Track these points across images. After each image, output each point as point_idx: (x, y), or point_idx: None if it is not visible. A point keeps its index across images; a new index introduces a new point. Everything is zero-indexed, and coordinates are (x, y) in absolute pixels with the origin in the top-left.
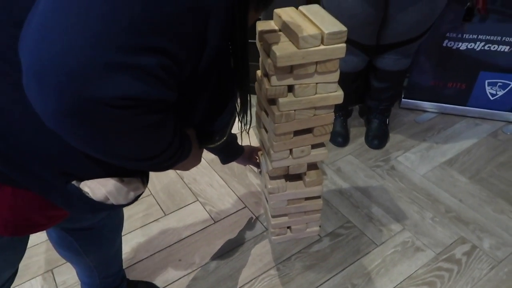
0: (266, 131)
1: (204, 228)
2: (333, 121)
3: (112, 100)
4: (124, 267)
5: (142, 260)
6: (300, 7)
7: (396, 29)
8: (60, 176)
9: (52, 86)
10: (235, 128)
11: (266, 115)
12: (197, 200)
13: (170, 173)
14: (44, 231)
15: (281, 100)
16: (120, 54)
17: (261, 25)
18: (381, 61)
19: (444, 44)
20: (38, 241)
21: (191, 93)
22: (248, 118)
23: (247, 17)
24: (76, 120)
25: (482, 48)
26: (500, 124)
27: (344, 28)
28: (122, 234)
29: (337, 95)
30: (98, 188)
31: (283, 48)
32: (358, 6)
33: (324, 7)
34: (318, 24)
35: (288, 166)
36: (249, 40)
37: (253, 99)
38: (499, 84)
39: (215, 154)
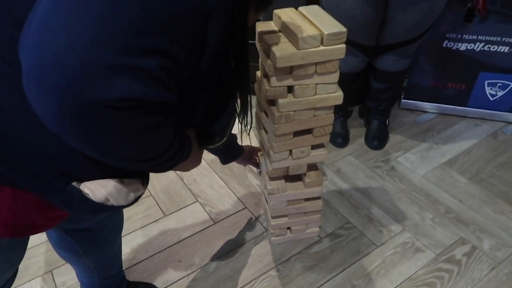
0: (266, 132)
1: (204, 229)
2: (332, 122)
3: (112, 102)
4: (124, 268)
5: (142, 261)
6: (300, 8)
7: (396, 30)
8: (60, 177)
9: (52, 87)
10: (236, 129)
11: (266, 116)
12: (197, 201)
13: (170, 174)
14: (44, 232)
15: (281, 101)
16: (120, 56)
17: (260, 26)
18: (380, 62)
19: (444, 45)
20: (38, 242)
21: (191, 94)
22: (249, 119)
23: (247, 18)
24: (76, 121)
25: (482, 48)
26: (500, 124)
27: (343, 29)
28: (122, 235)
29: (337, 96)
30: (98, 189)
31: (282, 49)
32: (357, 7)
33: (323, 8)
34: (318, 25)
35: (288, 167)
36: (249, 41)
37: (253, 100)
38: (498, 84)
39: (215, 154)
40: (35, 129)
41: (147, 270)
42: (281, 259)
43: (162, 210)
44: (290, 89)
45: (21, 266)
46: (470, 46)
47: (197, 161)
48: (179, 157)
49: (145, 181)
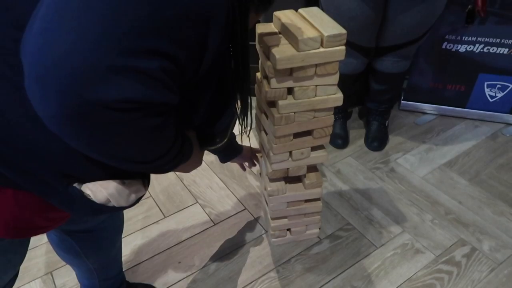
0: (266, 134)
1: (204, 230)
2: (332, 124)
3: (114, 103)
4: (123, 270)
5: (141, 262)
6: (300, 10)
7: (395, 31)
8: (61, 179)
9: (54, 89)
10: (236, 130)
11: (265, 118)
12: (197, 202)
13: (170, 175)
14: (44, 234)
15: (280, 102)
16: (122, 57)
17: (260, 28)
18: (380, 63)
19: (444, 46)
20: (38, 243)
21: (192, 95)
22: (248, 121)
23: (248, 20)
24: (77, 123)
25: (481, 50)
26: (499, 126)
27: (343, 31)
28: (122, 237)
29: (337, 97)
30: (99, 191)
31: (282, 51)
32: (357, 9)
33: (323, 10)
34: (318, 26)
35: (287, 168)
36: (249, 42)
37: (253, 101)
38: (498, 86)
39: (214, 153)
40: (36, 130)
41: (147, 272)
42: (281, 261)
43: (162, 212)
44: (290, 90)
45: (21, 268)
46: (470, 48)
47: (198, 162)
48: (181, 158)
49: (146, 182)
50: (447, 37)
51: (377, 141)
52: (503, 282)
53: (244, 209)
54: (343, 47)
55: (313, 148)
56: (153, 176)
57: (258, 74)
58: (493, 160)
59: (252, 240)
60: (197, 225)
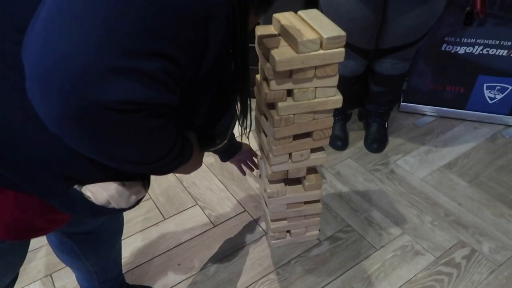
0: (266, 135)
1: (204, 232)
2: (332, 125)
3: (116, 104)
4: (123, 271)
5: (141, 264)
6: (299, 12)
7: (395, 33)
8: (62, 180)
9: (55, 90)
10: (235, 132)
11: (265, 119)
12: (197, 204)
13: (170, 177)
14: (43, 236)
15: (280, 104)
16: (124, 59)
17: (260, 30)
18: (379, 65)
19: (443, 48)
20: (37, 245)
21: (192, 96)
22: (248, 122)
23: (248, 21)
24: (78, 124)
25: (481, 52)
26: (498, 127)
27: (343, 33)
28: (122, 238)
29: (336, 99)
30: (100, 192)
31: (282, 53)
32: (356, 11)
33: (322, 12)
34: (317, 28)
35: (287, 170)
36: (249, 44)
37: (253, 103)
38: (497, 87)
39: (214, 153)
40: (37, 132)
41: (146, 274)
42: (280, 262)
43: (161, 213)
44: (289, 92)
45: (20, 270)
46: (469, 50)
47: (198, 164)
48: (181, 160)
49: (146, 184)
50: (446, 39)
51: (376, 142)
52: (503, 284)
53: (244, 211)
54: (343, 49)
55: (313, 150)
56: (152, 178)
57: (258, 76)
58: (493, 162)
59: (252, 242)
60: (197, 227)
